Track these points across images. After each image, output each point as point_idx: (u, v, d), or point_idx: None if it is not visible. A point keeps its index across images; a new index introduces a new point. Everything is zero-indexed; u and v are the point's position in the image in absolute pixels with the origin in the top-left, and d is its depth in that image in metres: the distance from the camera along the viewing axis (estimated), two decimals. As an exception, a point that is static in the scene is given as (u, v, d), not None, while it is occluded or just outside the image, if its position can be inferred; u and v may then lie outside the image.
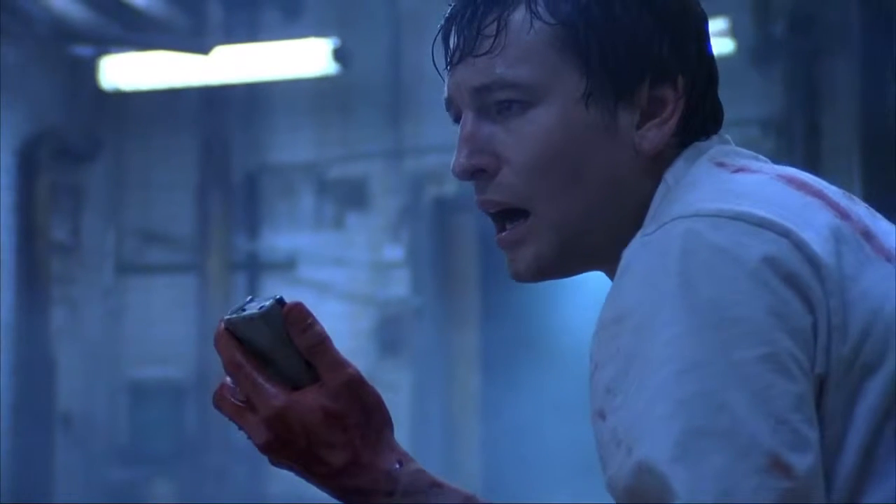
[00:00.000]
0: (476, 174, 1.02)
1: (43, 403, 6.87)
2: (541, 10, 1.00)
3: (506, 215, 1.03)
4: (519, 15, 1.00)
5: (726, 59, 6.53)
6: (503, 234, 1.03)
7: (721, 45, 6.45)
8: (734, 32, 6.51)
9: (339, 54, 7.01)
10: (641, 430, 0.83)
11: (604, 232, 1.01)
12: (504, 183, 1.01)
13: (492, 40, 1.00)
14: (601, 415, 0.87)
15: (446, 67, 1.05)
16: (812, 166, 6.09)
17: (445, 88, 1.05)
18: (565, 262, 1.03)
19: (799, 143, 6.24)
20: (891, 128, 3.41)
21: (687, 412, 0.81)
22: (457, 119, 1.04)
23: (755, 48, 6.68)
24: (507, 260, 1.04)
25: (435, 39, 1.06)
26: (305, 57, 7.06)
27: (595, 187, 1.00)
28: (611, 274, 1.04)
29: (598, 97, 1.00)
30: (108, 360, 7.59)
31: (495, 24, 1.00)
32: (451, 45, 1.03)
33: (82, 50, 7.13)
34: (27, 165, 6.95)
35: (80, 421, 7.28)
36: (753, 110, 6.68)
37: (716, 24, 6.41)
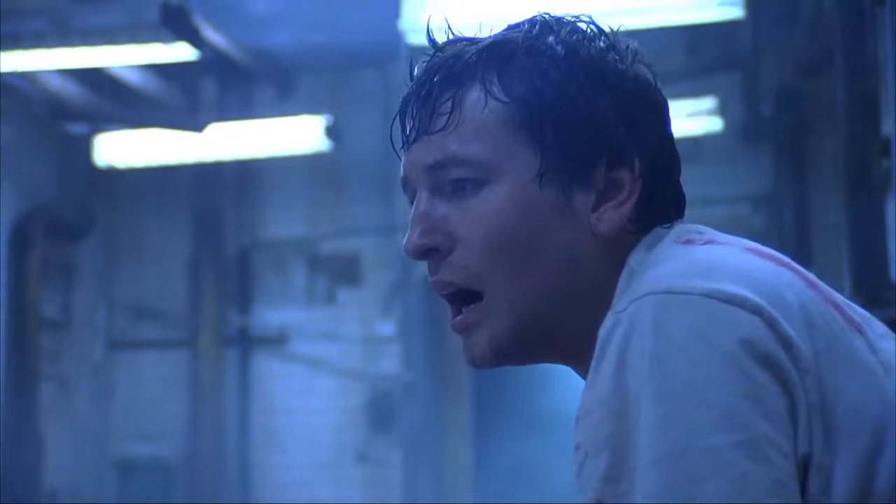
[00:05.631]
0: (429, 253, 1.00)
1: (30, 481, 6.79)
2: (495, 89, 0.99)
3: (460, 298, 1.01)
4: (474, 94, 0.99)
5: (715, 137, 6.60)
6: (458, 318, 1.01)
7: (710, 123, 6.53)
8: (723, 111, 6.59)
9: (331, 131, 7.07)
10: None
11: (560, 316, 0.99)
12: (457, 263, 0.99)
13: (446, 118, 0.99)
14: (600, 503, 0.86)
15: (403, 147, 1.03)
16: (800, 243, 6.12)
17: (401, 168, 1.03)
18: (522, 347, 1.00)
19: (788, 220, 6.28)
20: (877, 204, 3.45)
21: None
22: (412, 200, 1.02)
23: (744, 126, 6.75)
24: (463, 345, 1.01)
25: (393, 122, 1.04)
26: (298, 134, 7.12)
27: (549, 268, 0.98)
28: (573, 364, 1.02)
29: (553, 177, 0.98)
30: (96, 437, 7.52)
31: (450, 102, 0.99)
32: (408, 125, 1.02)
33: (76, 127, 7.18)
34: (19, 241, 6.95)
35: (67, 499, 7.19)
36: (743, 187, 6.73)
37: (705, 104, 6.49)
